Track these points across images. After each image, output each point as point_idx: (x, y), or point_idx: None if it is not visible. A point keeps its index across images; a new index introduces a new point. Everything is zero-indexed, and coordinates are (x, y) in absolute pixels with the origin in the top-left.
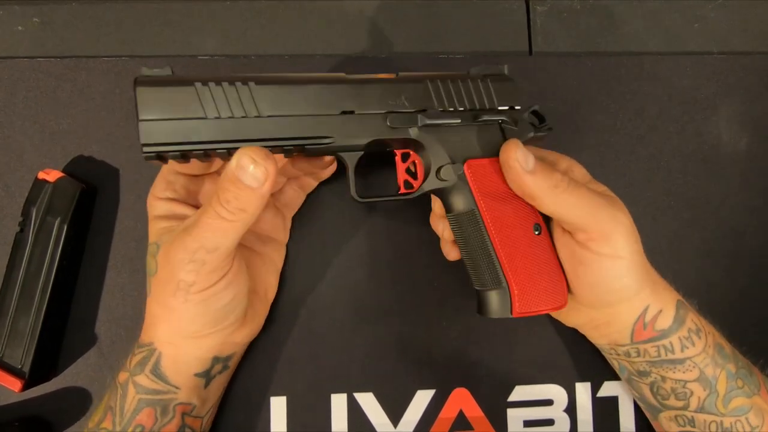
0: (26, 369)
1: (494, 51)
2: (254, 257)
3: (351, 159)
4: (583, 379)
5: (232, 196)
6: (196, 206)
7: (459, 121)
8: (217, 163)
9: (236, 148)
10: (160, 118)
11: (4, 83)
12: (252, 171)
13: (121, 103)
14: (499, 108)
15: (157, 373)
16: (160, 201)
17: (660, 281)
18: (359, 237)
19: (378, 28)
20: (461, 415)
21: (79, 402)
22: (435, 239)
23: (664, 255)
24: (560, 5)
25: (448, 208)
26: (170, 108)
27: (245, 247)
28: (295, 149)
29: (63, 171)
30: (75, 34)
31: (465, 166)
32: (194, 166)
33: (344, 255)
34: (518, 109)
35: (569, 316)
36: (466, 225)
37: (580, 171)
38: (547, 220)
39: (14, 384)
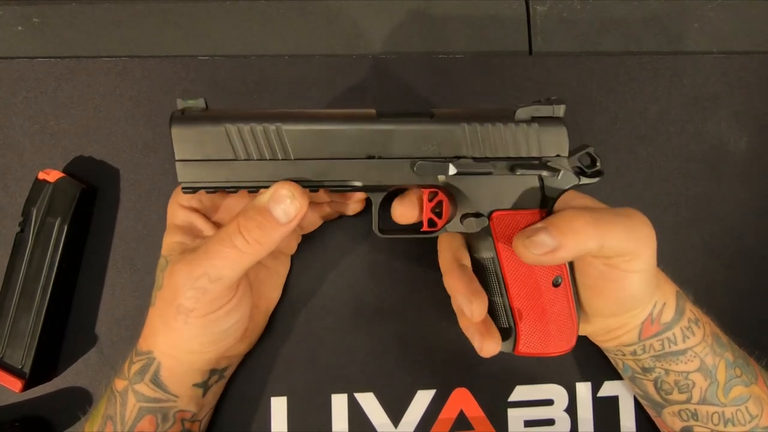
0: (27, 369)
1: (494, 51)
2: (261, 271)
3: (376, 197)
4: (583, 379)
5: (255, 226)
6: (216, 222)
7: (492, 172)
8: None
9: (265, 188)
10: (195, 158)
11: (4, 83)
12: (285, 206)
13: (121, 103)
14: (542, 156)
15: (156, 381)
16: (183, 209)
17: (660, 273)
18: (359, 237)
19: (378, 28)
20: (462, 415)
21: (80, 402)
22: (435, 239)
23: (664, 254)
24: (560, 5)
25: (469, 248)
26: (203, 149)
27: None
28: (321, 187)
29: (63, 171)
30: (75, 34)
31: (490, 219)
32: None
33: (344, 255)
34: (564, 156)
35: (583, 329)
36: (484, 269)
37: (582, 199)
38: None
39: (15, 384)
